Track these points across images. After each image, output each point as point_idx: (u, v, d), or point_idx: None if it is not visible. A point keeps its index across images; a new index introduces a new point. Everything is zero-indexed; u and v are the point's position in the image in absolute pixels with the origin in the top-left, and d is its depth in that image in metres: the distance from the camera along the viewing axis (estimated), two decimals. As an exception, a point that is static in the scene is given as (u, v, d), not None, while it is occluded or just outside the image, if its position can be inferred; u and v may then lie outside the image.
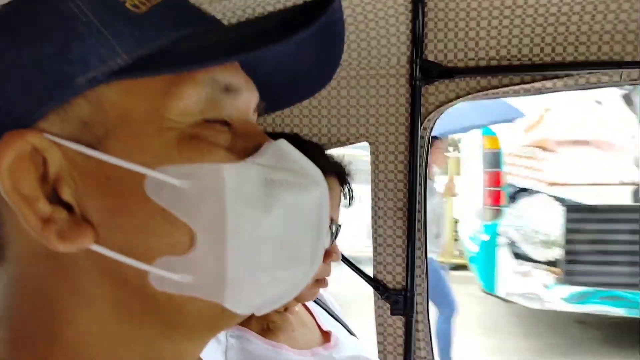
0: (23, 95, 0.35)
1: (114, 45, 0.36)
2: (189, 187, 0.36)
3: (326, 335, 1.06)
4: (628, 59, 1.05)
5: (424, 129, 1.20)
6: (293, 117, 1.28)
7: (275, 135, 1.13)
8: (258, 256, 0.38)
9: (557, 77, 1.09)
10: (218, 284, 0.37)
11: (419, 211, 1.25)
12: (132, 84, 0.36)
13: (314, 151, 1.00)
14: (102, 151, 0.36)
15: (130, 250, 0.36)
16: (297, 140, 1.03)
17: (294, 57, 0.44)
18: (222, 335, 0.90)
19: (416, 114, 1.18)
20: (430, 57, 1.16)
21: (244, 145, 0.39)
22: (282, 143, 0.41)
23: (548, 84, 1.10)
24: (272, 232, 0.38)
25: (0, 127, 0.35)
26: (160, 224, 0.36)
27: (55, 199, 0.36)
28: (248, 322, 0.96)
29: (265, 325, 0.97)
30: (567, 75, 1.09)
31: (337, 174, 0.99)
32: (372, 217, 1.29)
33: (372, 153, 1.25)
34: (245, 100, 0.41)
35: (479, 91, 1.14)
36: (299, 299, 0.99)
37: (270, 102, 0.48)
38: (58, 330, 0.38)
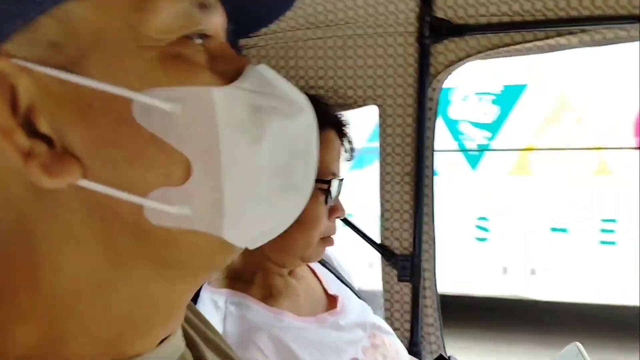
0: None
1: None
2: (180, 111, 0.33)
3: (332, 300, 1.04)
4: None
5: (433, 89, 1.17)
6: (298, 78, 1.25)
7: None
8: (254, 185, 0.36)
9: (571, 32, 1.05)
10: (216, 215, 0.35)
11: (427, 176, 1.22)
12: None
13: (311, 101, 0.97)
14: (79, 74, 0.32)
15: (122, 183, 0.33)
16: None
17: None
18: (221, 301, 0.88)
19: (425, 73, 1.15)
20: (440, 14, 1.12)
21: (224, 67, 0.36)
22: (263, 68, 0.38)
23: (562, 40, 1.06)
24: (265, 160, 0.36)
25: None
26: (153, 153, 0.33)
27: (30, 131, 0.33)
28: (249, 287, 0.93)
29: (267, 292, 0.94)
30: (582, 31, 1.05)
31: (335, 126, 0.96)
32: (380, 182, 1.27)
33: (380, 116, 1.23)
34: (218, 18, 0.38)
35: (491, 49, 1.11)
36: (305, 259, 0.97)
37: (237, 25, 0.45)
38: (42, 279, 0.35)
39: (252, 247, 0.39)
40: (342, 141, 0.98)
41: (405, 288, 1.29)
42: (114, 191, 0.33)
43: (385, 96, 1.20)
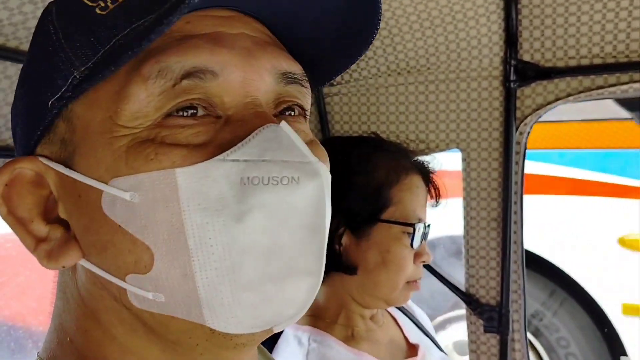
0: (26, 126, 0.38)
1: (72, 58, 0.34)
2: (139, 199, 0.33)
3: (413, 349, 1.02)
4: None
5: (520, 133, 1.13)
6: (379, 123, 1.26)
7: (353, 139, 1.10)
8: (238, 271, 0.33)
9: None
10: (192, 303, 0.34)
11: (515, 222, 1.17)
12: (94, 95, 0.34)
13: (395, 149, 0.98)
14: (72, 168, 0.35)
15: (105, 267, 0.35)
16: (376, 140, 1.01)
17: (321, 12, 0.39)
18: (304, 338, 0.90)
19: (511, 117, 1.12)
20: (526, 57, 1.09)
21: (231, 135, 0.34)
22: (282, 127, 0.34)
23: None
24: (252, 241, 0.33)
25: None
26: (120, 241, 0.34)
27: (54, 217, 0.37)
28: (332, 327, 0.94)
29: (349, 333, 0.95)
30: None
31: (421, 172, 0.96)
32: (465, 227, 1.23)
33: (463, 160, 1.20)
34: (237, 80, 0.35)
35: (582, 92, 1.06)
36: (390, 303, 0.95)
37: (319, 69, 0.43)
38: (77, 338, 0.38)
39: (277, 329, 0.36)
40: (427, 187, 0.97)
41: (493, 340, 1.23)
42: (102, 273, 0.35)
43: (469, 140, 1.18)
